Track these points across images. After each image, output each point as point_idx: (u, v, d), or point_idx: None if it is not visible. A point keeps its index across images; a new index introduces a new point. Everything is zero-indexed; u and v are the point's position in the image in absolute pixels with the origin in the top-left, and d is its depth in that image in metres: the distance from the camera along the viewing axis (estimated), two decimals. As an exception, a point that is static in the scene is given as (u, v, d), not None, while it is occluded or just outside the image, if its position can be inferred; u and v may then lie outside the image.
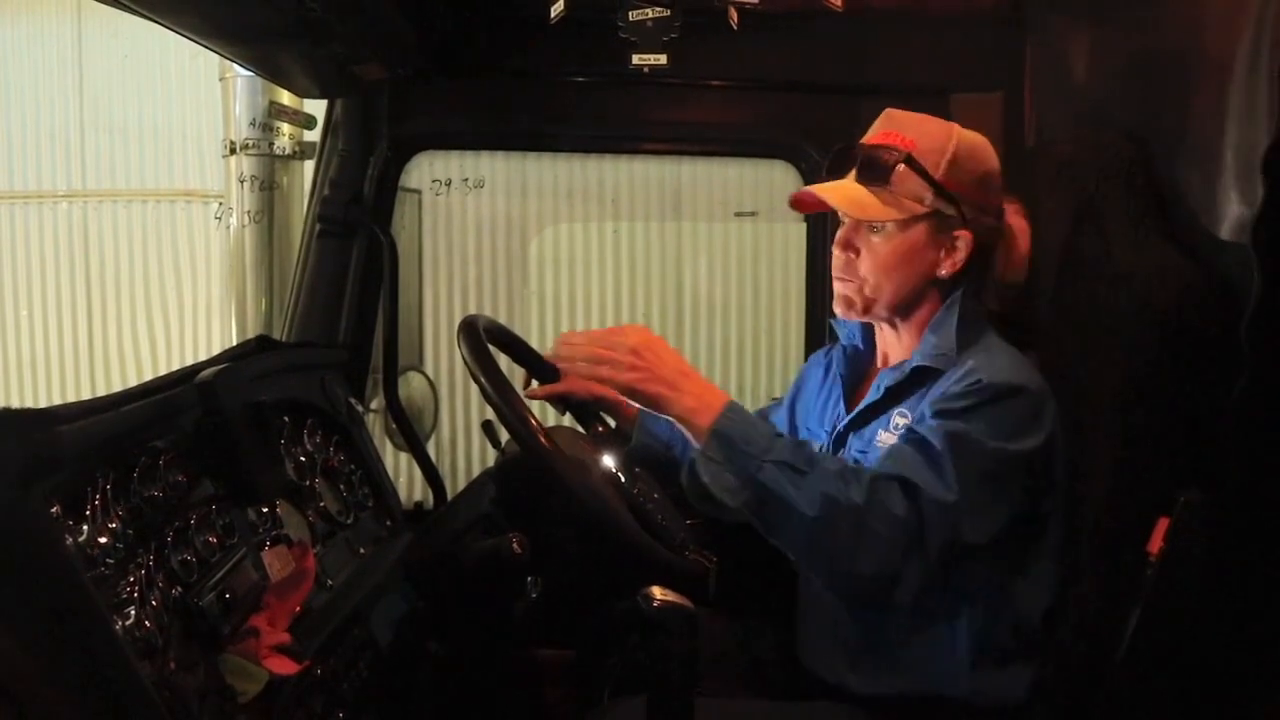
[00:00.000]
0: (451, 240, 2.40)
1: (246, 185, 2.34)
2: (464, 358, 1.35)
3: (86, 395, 1.61)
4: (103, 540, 1.06)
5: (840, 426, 1.46)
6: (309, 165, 2.24)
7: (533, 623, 1.58)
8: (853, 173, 1.37)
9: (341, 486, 1.69)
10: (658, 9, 1.56)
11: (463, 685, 1.72)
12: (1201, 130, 1.22)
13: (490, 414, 1.35)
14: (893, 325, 1.43)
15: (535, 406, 1.35)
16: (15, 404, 1.03)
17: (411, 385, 2.20)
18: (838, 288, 1.42)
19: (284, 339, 1.99)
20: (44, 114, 3.78)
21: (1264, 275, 1.00)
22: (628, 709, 1.34)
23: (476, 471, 2.46)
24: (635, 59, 1.63)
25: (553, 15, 1.57)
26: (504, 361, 1.38)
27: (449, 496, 2.12)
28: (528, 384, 1.55)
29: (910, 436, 1.26)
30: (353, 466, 1.75)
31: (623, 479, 1.45)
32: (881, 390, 1.39)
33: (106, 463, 1.12)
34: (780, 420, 1.68)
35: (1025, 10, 1.87)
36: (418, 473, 2.23)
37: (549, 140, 2.21)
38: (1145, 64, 1.42)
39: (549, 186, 2.39)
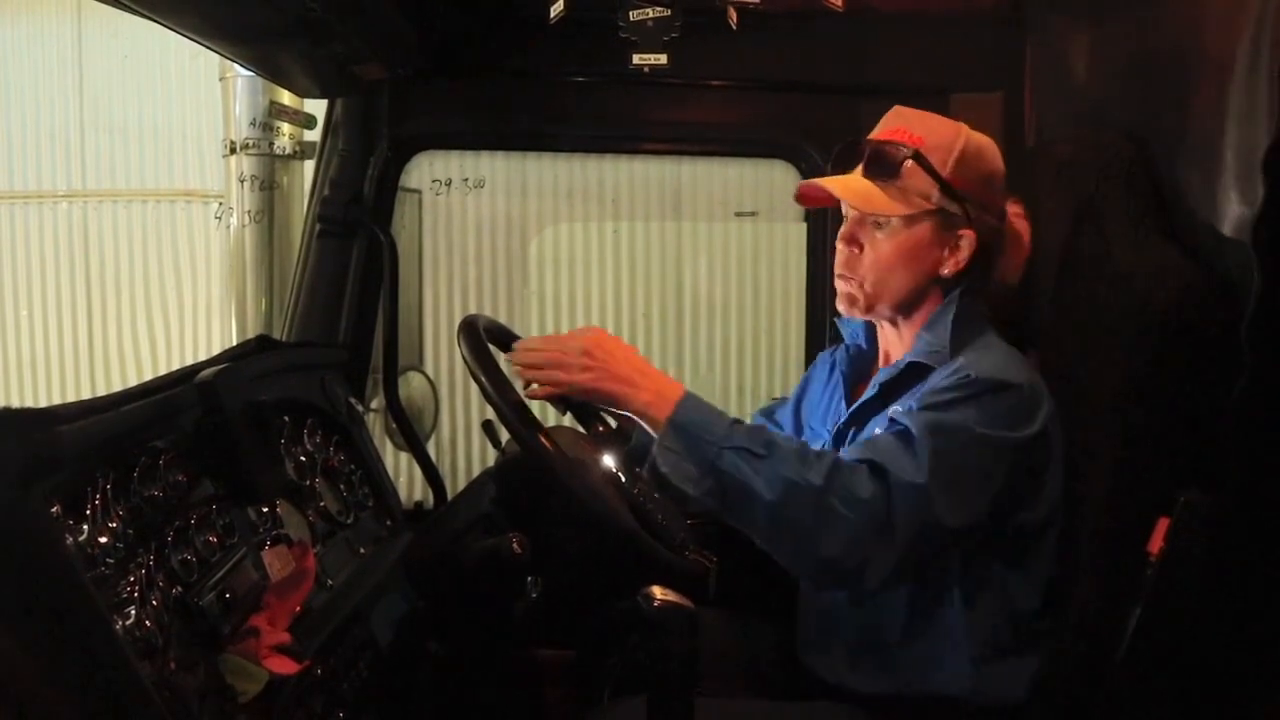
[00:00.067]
0: (451, 240, 2.39)
1: (246, 185, 2.34)
2: (464, 357, 1.35)
3: (86, 395, 1.61)
4: (103, 540, 1.06)
5: (839, 424, 1.46)
6: (309, 165, 2.24)
7: (533, 623, 1.58)
8: (859, 168, 1.37)
9: (341, 486, 1.69)
10: (658, 9, 1.56)
11: (463, 685, 1.72)
12: (1201, 130, 1.22)
13: (490, 414, 1.35)
14: (894, 324, 1.43)
15: (535, 406, 1.35)
16: (15, 404, 1.03)
17: (411, 385, 2.20)
18: (840, 285, 1.42)
19: (284, 339, 1.99)
20: (44, 114, 3.78)
21: (1264, 275, 1.00)
22: (628, 709, 1.34)
23: (476, 471, 2.46)
24: (635, 59, 1.63)
25: (552, 15, 1.57)
26: (504, 361, 1.38)
27: (449, 496, 2.12)
28: (528, 384, 1.55)
29: (892, 427, 1.27)
30: (353, 466, 1.76)
31: (623, 479, 1.45)
32: (877, 387, 1.40)
33: (106, 462, 1.12)
34: (786, 418, 1.68)
35: (1025, 10, 1.87)
36: (418, 473, 2.23)
37: (549, 140, 2.21)
38: (1145, 64, 1.42)
39: (549, 186, 2.39)
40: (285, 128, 2.33)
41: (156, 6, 1.37)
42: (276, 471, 1.43)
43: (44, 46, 3.76)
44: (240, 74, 2.28)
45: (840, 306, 1.43)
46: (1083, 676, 1.25)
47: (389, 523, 1.80)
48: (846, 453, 1.29)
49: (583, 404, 1.57)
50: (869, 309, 1.41)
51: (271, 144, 2.33)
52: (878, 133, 1.39)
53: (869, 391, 1.42)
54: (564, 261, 2.46)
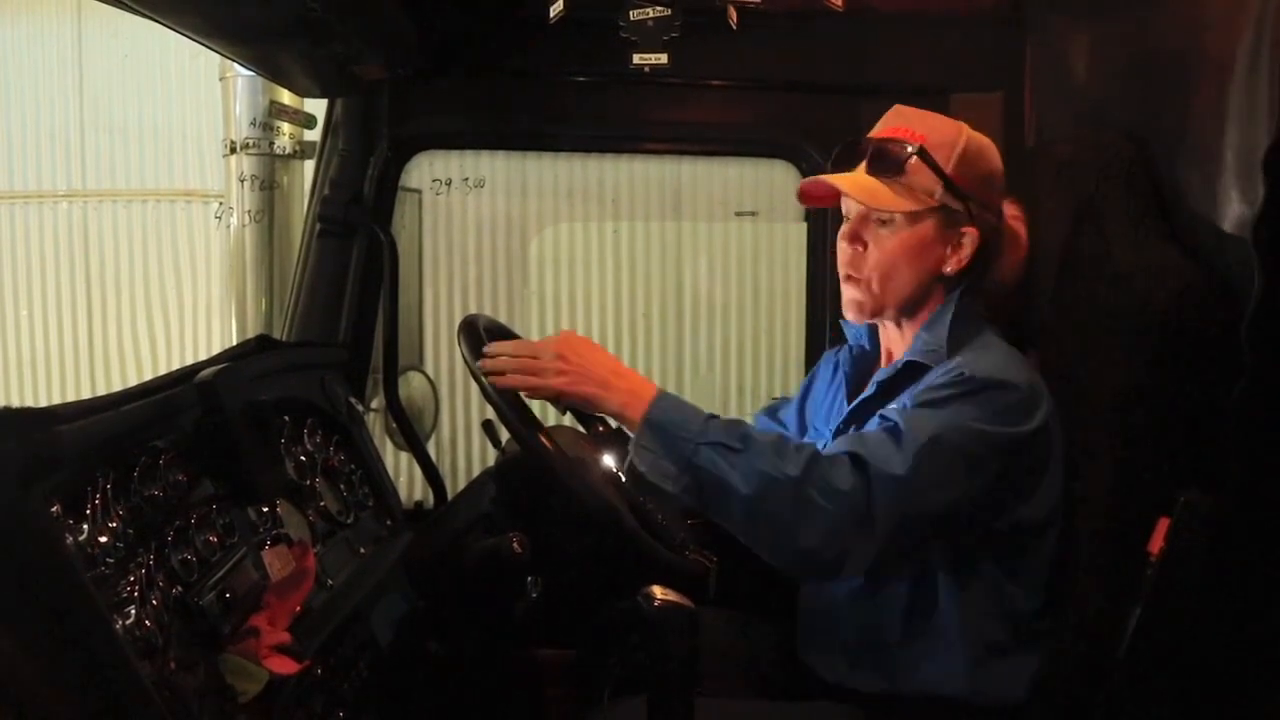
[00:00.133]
0: (452, 240, 2.39)
1: (247, 185, 2.34)
2: (464, 357, 1.35)
3: (87, 395, 1.61)
4: (103, 540, 1.06)
5: (839, 423, 1.46)
6: (309, 165, 2.24)
7: (533, 623, 1.58)
8: (862, 166, 1.37)
9: (341, 486, 1.69)
10: (658, 8, 1.56)
11: (463, 685, 1.72)
12: (1202, 130, 1.22)
13: (490, 413, 1.35)
14: (897, 324, 1.43)
15: (535, 406, 1.35)
16: (15, 403, 1.03)
17: (411, 385, 2.20)
18: (848, 291, 1.41)
19: (284, 339, 1.99)
20: (44, 114, 3.79)
21: (1265, 275, 1.00)
22: (628, 709, 1.34)
23: (476, 471, 2.46)
24: (636, 58, 1.63)
25: (552, 15, 1.57)
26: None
27: (449, 496, 2.11)
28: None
29: (882, 423, 1.27)
30: (353, 466, 1.76)
31: (623, 479, 1.45)
32: (875, 386, 1.40)
33: (106, 462, 1.12)
34: (790, 418, 1.69)
35: (1025, 10, 1.87)
36: (418, 472, 2.23)
37: (549, 140, 2.21)
38: (1145, 64, 1.42)
39: (549, 186, 2.39)
40: (285, 127, 2.34)
41: (156, 6, 1.37)
42: (276, 471, 1.43)
43: (44, 46, 3.76)
44: (240, 74, 2.29)
45: (848, 314, 1.43)
46: (1083, 676, 1.25)
47: (389, 523, 1.80)
48: (831, 446, 1.29)
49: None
50: (877, 313, 1.41)
51: (271, 144, 2.33)
52: (879, 131, 1.39)
53: (867, 390, 1.42)
54: (564, 261, 2.46)
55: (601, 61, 1.92)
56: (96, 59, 3.76)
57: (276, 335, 2.02)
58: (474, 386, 1.60)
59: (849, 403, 1.49)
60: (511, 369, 1.30)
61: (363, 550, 1.63)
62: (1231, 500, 1.08)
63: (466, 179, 2.34)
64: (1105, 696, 1.19)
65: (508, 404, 1.30)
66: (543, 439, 1.29)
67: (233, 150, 2.34)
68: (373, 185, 1.99)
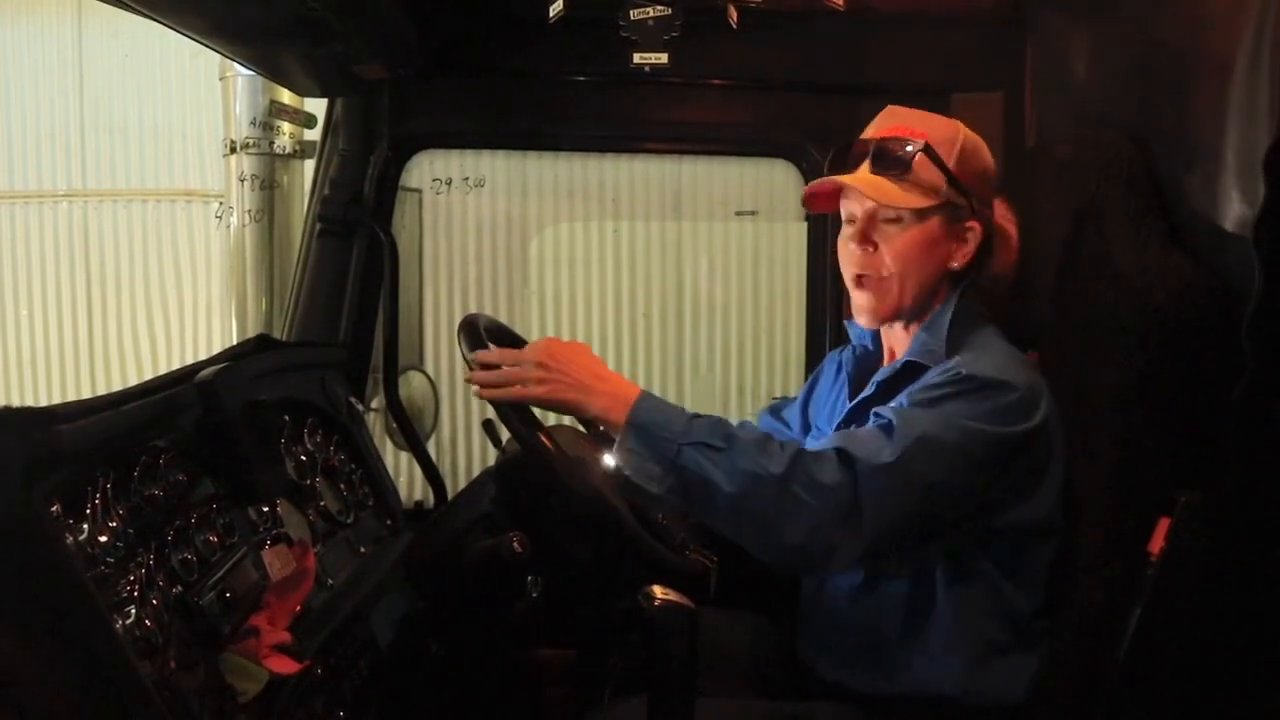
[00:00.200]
0: (452, 240, 2.39)
1: (247, 184, 2.35)
2: (464, 357, 1.35)
3: (87, 394, 1.61)
4: (103, 539, 1.06)
5: (839, 422, 1.46)
6: (309, 164, 2.24)
7: (533, 623, 1.58)
8: (864, 165, 1.37)
9: (342, 486, 1.69)
10: (659, 8, 1.56)
11: (463, 685, 1.71)
12: (1202, 130, 1.22)
13: (490, 413, 1.35)
14: (905, 324, 1.43)
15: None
16: (16, 402, 1.03)
17: (412, 385, 2.20)
18: (860, 296, 1.40)
19: (284, 338, 1.99)
20: (44, 114, 3.79)
21: (1265, 275, 1.00)
22: (628, 709, 1.34)
23: (476, 471, 2.46)
24: (636, 58, 1.63)
25: (552, 15, 1.57)
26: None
27: (449, 496, 2.12)
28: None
29: (876, 420, 1.27)
30: (353, 466, 1.76)
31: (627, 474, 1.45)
32: (874, 386, 1.40)
33: (107, 462, 1.12)
34: (793, 417, 1.69)
35: (1025, 10, 1.87)
36: (418, 472, 2.23)
37: (549, 140, 2.21)
38: (1145, 64, 1.42)
39: (549, 186, 2.39)
40: (285, 127, 2.34)
41: (157, 6, 1.37)
42: (276, 471, 1.43)
43: (44, 46, 3.77)
44: (240, 73, 2.29)
45: (860, 319, 1.43)
46: (1083, 676, 1.25)
47: (389, 522, 1.80)
48: (820, 443, 1.29)
49: None
50: (894, 315, 1.40)
51: (272, 143, 2.33)
52: (877, 131, 1.39)
53: (867, 390, 1.42)
54: (564, 261, 2.46)
55: (601, 61, 1.92)
56: (96, 59, 3.76)
57: (276, 335, 2.02)
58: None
59: (850, 402, 1.49)
60: (493, 380, 1.30)
61: (363, 550, 1.64)
62: (1231, 500, 1.08)
63: (466, 179, 2.34)
64: (1105, 696, 1.19)
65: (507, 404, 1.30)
66: (543, 439, 1.29)
67: (233, 150, 2.34)
68: (373, 185, 1.99)
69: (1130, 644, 1.15)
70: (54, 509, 1.01)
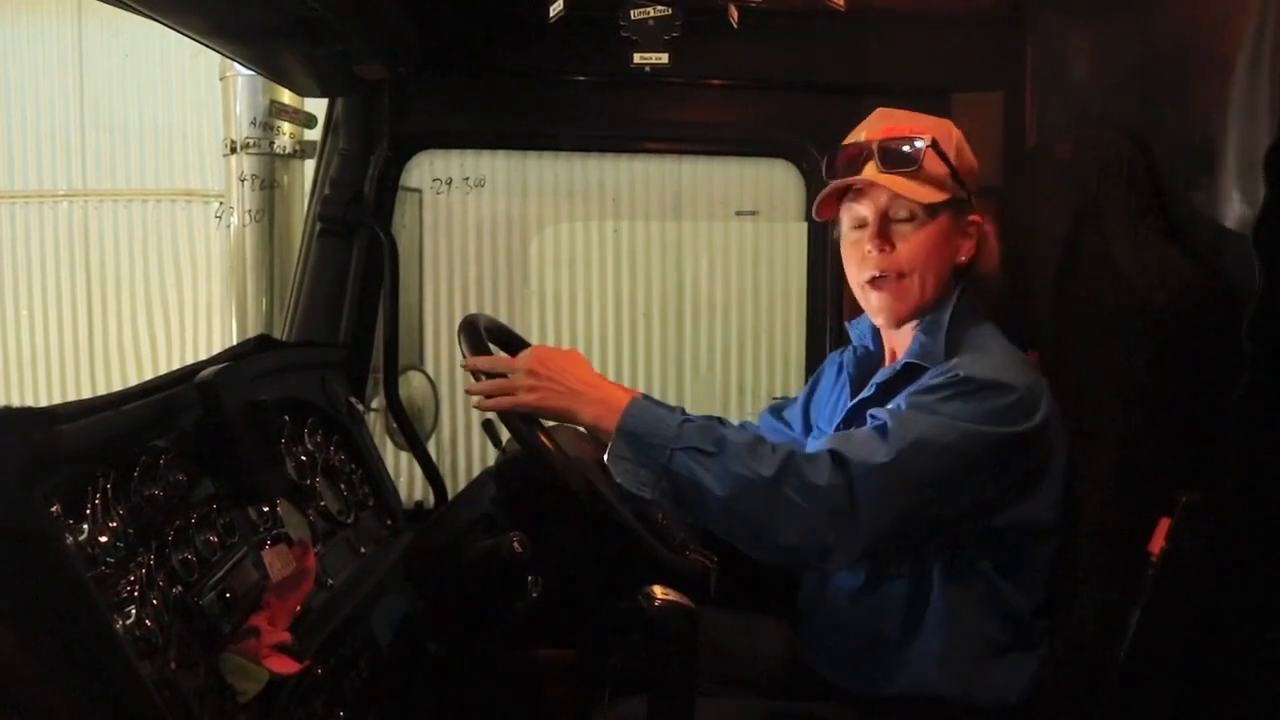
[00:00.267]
0: (452, 240, 2.39)
1: (247, 184, 2.34)
2: (464, 357, 1.35)
3: (87, 394, 1.61)
4: (103, 539, 1.06)
5: (839, 423, 1.46)
6: (309, 164, 2.24)
7: (533, 623, 1.58)
8: (869, 166, 1.37)
9: (342, 486, 1.69)
10: (659, 8, 1.56)
11: (463, 685, 1.72)
12: (1202, 130, 1.22)
13: (490, 413, 1.35)
14: (913, 324, 1.43)
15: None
16: (16, 402, 1.03)
17: (412, 385, 2.20)
18: (878, 297, 1.39)
19: (284, 338, 1.99)
20: (44, 114, 3.79)
21: (1265, 275, 1.00)
22: (628, 709, 1.34)
23: (476, 471, 2.45)
24: (637, 58, 1.63)
25: (552, 15, 1.57)
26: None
27: (449, 496, 2.12)
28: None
29: (872, 421, 1.27)
30: (353, 466, 1.76)
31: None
32: (874, 387, 1.40)
33: (107, 462, 1.12)
34: (795, 418, 1.69)
35: (1025, 10, 1.87)
36: (418, 472, 2.23)
37: (549, 140, 2.21)
38: (1145, 64, 1.42)
39: (549, 186, 2.39)
40: (286, 127, 2.34)
41: (157, 6, 1.37)
42: (277, 471, 1.43)
43: (44, 46, 3.77)
44: (240, 73, 2.29)
45: (879, 321, 1.43)
46: (1082, 676, 1.25)
47: (389, 522, 1.80)
48: (815, 444, 1.29)
49: None
50: (916, 313, 1.39)
51: (272, 143, 2.33)
52: (876, 132, 1.39)
53: (866, 391, 1.42)
54: (564, 261, 2.46)
55: (602, 61, 1.92)
56: (96, 59, 3.76)
57: (277, 335, 2.02)
58: (474, 386, 1.60)
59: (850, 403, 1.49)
60: (484, 390, 1.30)
61: (363, 550, 1.63)
62: (1231, 500, 1.08)
63: (467, 179, 2.34)
64: (1105, 696, 1.19)
65: None
66: (543, 439, 1.29)
67: (233, 150, 2.34)
68: (373, 185, 1.99)
69: (1130, 644, 1.15)
70: (54, 509, 1.01)
